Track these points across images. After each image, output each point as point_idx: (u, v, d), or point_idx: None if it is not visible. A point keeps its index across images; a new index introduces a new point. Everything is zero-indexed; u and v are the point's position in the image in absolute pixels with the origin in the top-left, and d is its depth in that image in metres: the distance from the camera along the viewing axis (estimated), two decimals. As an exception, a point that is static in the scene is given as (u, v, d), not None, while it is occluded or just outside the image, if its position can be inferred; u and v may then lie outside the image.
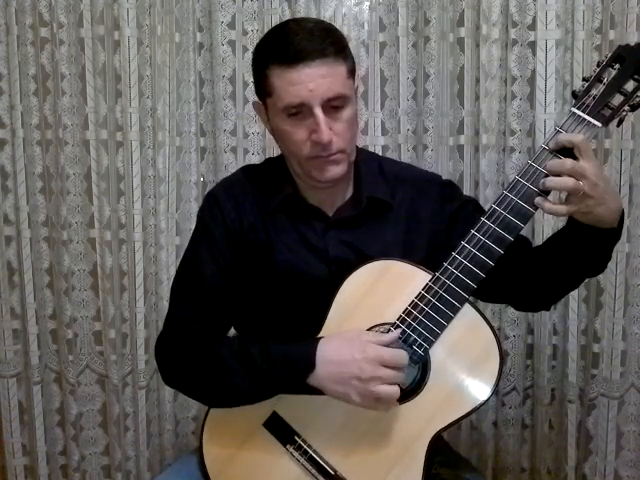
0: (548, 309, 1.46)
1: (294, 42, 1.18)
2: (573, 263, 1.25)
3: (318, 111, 1.18)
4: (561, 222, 1.86)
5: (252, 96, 1.93)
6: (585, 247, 1.21)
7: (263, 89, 1.25)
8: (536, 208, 1.14)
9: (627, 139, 1.82)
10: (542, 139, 1.83)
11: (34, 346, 2.11)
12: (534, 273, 1.31)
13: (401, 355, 1.15)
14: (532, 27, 1.84)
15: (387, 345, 1.16)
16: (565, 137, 1.12)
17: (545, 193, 1.13)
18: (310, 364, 1.16)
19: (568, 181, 1.10)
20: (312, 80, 1.17)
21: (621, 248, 1.86)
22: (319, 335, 1.23)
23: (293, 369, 1.17)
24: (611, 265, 1.86)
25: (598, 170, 1.11)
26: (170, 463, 2.05)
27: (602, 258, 1.28)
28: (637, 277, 1.86)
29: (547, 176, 1.12)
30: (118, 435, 2.14)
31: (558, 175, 1.11)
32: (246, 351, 1.20)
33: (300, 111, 1.20)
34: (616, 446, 1.95)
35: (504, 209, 1.15)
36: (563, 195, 1.15)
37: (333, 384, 1.16)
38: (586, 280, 1.87)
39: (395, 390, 1.14)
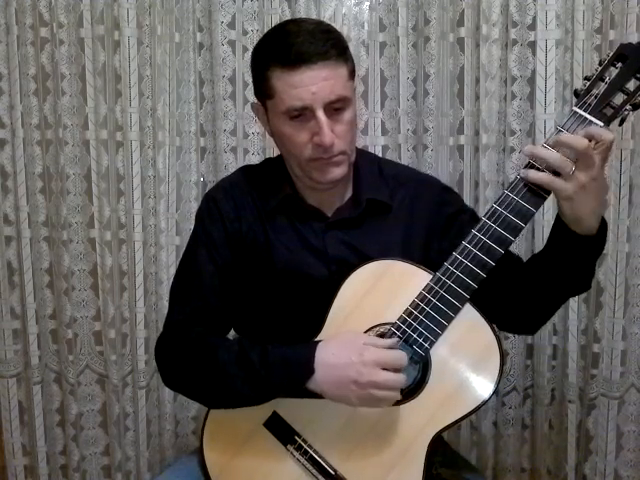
0: (532, 333, 1.43)
1: (296, 44, 1.17)
2: (556, 275, 1.22)
3: (320, 114, 1.18)
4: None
5: (252, 96, 1.92)
6: (567, 257, 1.18)
7: (263, 91, 1.24)
8: (537, 207, 1.14)
9: (627, 139, 1.82)
10: (542, 139, 1.83)
11: (34, 346, 2.11)
12: (519, 291, 1.29)
13: (400, 356, 1.14)
14: (532, 27, 1.84)
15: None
16: (596, 130, 1.10)
17: (545, 192, 1.13)
18: (309, 369, 1.15)
19: (554, 154, 1.09)
20: (314, 83, 1.17)
21: (621, 248, 1.86)
22: (319, 336, 1.23)
23: (292, 374, 1.17)
24: (611, 265, 1.87)
25: (600, 167, 1.11)
26: (170, 463, 2.04)
27: (584, 271, 1.24)
28: (637, 277, 1.86)
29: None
30: (118, 435, 2.14)
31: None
32: (245, 355, 1.19)
33: (302, 114, 1.20)
34: (616, 446, 1.94)
35: (505, 209, 1.15)
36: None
37: (332, 388, 1.15)
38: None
39: (394, 395, 1.13)
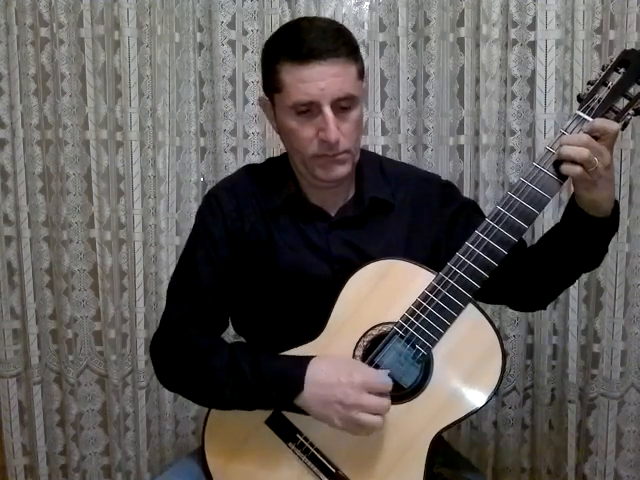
0: (545, 308, 1.46)
1: (307, 40, 1.17)
2: (570, 255, 1.25)
3: (327, 110, 1.18)
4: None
5: (252, 96, 1.94)
6: (582, 236, 1.22)
7: (272, 84, 1.24)
8: (540, 209, 1.15)
9: (627, 139, 1.83)
10: (542, 139, 1.84)
11: (34, 346, 2.10)
12: (530, 271, 1.31)
13: (386, 381, 1.15)
14: (532, 27, 1.84)
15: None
16: (601, 123, 1.11)
17: (561, 179, 1.14)
18: (298, 385, 1.16)
19: (584, 151, 1.10)
20: (323, 79, 1.17)
21: (621, 248, 1.86)
22: (321, 335, 1.23)
23: (282, 388, 1.17)
24: (611, 265, 1.87)
25: (611, 159, 1.13)
26: (170, 463, 2.05)
27: (598, 250, 1.28)
28: (637, 277, 1.87)
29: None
30: (118, 435, 2.14)
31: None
32: (236, 364, 1.20)
33: (309, 109, 1.20)
34: (616, 446, 1.95)
35: (508, 210, 1.16)
36: None
37: (317, 406, 1.16)
38: (586, 280, 1.89)
39: (378, 420, 1.14)
